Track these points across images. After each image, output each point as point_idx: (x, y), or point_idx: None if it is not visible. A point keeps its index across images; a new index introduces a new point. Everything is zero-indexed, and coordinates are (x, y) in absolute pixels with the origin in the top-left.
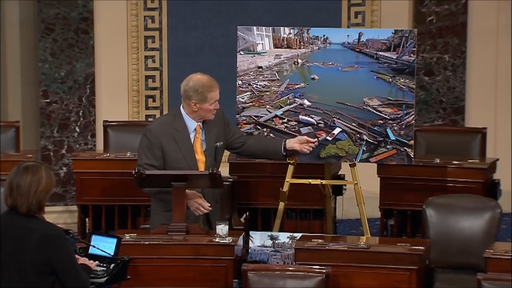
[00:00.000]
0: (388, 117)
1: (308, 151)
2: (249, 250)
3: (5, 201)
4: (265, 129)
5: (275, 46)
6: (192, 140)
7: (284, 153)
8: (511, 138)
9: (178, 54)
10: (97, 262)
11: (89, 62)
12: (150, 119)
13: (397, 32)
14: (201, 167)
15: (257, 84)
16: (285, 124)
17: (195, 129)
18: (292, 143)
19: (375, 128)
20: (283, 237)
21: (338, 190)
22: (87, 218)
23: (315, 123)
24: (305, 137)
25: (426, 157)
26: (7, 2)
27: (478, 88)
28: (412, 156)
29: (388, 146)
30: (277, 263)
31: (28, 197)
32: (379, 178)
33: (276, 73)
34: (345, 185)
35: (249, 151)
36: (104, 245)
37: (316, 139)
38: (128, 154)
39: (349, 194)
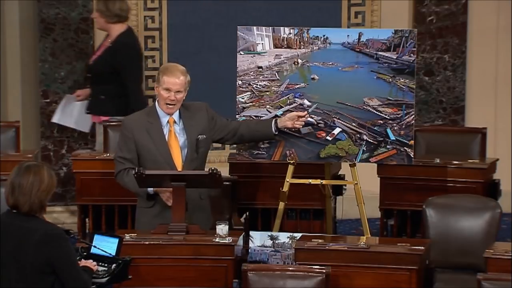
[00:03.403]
0: (388, 117)
1: (301, 126)
2: (249, 250)
3: (7, 200)
4: None
5: (275, 46)
6: (166, 134)
7: (276, 133)
8: (511, 138)
9: (178, 54)
10: (95, 263)
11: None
12: None
13: (397, 32)
14: (178, 160)
15: (257, 84)
16: None
17: (167, 122)
18: (284, 122)
19: (375, 128)
20: (283, 237)
21: (338, 190)
22: (87, 218)
23: (315, 123)
24: (295, 113)
25: (426, 157)
26: (7, 2)
27: (478, 88)
28: (412, 156)
29: (388, 146)
30: (277, 263)
31: (31, 196)
32: (379, 178)
33: (276, 73)
34: (345, 185)
35: (242, 140)
36: (105, 245)
37: (306, 112)
38: None
39: (349, 194)
